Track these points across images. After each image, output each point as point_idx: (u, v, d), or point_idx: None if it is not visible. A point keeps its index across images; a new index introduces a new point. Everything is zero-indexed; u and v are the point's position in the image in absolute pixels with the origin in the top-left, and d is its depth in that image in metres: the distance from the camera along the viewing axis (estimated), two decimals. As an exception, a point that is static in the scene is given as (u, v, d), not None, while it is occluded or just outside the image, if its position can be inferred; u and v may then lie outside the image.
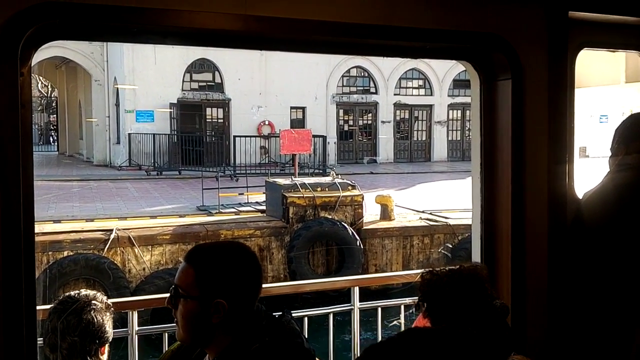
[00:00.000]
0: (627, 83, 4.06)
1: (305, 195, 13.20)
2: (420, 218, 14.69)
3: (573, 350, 2.76)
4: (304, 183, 13.64)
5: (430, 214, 15.04)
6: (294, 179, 14.45)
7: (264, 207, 14.88)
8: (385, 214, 14.22)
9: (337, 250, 13.18)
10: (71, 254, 11.47)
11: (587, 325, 2.74)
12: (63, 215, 14.14)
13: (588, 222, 2.77)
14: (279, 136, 26.40)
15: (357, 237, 13.06)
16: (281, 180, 14.37)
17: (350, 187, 13.79)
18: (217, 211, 14.85)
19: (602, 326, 2.70)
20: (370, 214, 14.30)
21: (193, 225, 13.09)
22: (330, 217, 13.26)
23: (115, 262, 11.73)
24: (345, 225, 13.15)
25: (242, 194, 16.50)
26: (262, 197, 15.94)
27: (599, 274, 2.71)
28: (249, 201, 16.29)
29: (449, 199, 16.50)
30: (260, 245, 12.73)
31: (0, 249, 1.91)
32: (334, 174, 14.74)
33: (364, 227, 13.58)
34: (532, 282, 2.69)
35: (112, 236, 11.84)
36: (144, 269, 12.03)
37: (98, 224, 13.06)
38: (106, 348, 2.46)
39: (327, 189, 13.54)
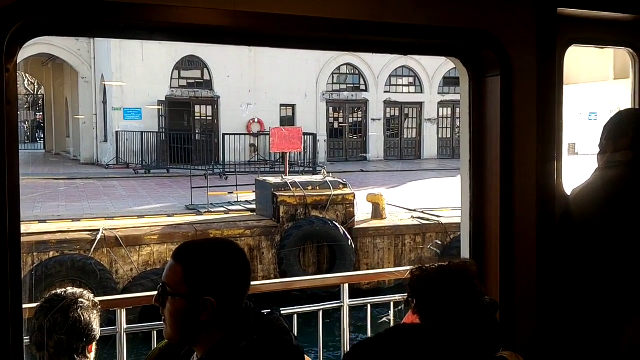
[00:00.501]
0: (615, 79, 4.05)
1: (296, 194, 13.01)
2: (412, 217, 14.55)
3: (562, 346, 2.76)
4: (295, 182, 13.46)
5: (422, 212, 14.90)
6: (284, 177, 14.26)
7: (253, 206, 14.69)
8: (377, 213, 14.07)
9: (329, 250, 13.01)
10: (57, 254, 11.23)
11: (576, 320, 2.74)
12: (49, 215, 13.87)
13: (576, 218, 2.77)
14: (268, 134, 26.29)
15: (349, 236, 12.89)
16: (271, 179, 14.18)
17: (341, 186, 13.63)
18: (206, 210, 14.63)
19: (590, 322, 2.70)
20: (362, 212, 14.14)
21: (182, 225, 12.87)
22: (321, 216, 13.09)
23: (102, 263, 11.51)
24: (337, 224, 12.98)
25: (232, 192, 16.28)
26: (251, 196, 15.74)
27: (587, 269, 2.71)
28: (239, 200, 16.08)
29: (440, 197, 16.37)
30: (250, 245, 12.53)
31: None
32: (325, 172, 14.56)
33: (356, 226, 13.42)
34: (520, 278, 2.69)
35: (98, 236, 11.60)
36: (131, 269, 11.81)
37: (84, 224, 12.81)
38: (93, 346, 2.44)
39: (318, 188, 13.37)
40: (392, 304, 4.78)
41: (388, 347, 1.14)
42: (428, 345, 1.13)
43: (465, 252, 2.82)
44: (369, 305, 4.89)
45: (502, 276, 2.66)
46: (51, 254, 11.20)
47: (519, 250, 2.68)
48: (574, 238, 2.75)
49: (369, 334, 4.85)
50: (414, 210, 15.22)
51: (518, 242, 2.68)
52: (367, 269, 12.89)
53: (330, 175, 14.38)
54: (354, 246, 12.96)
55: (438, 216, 14.25)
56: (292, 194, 13.03)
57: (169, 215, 14.28)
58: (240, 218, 13.68)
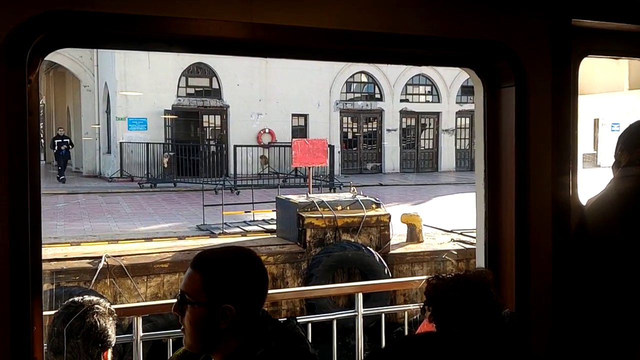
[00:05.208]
0: (630, 90, 4.07)
1: (324, 215, 11.46)
2: (452, 240, 12.98)
3: (577, 357, 2.75)
4: (322, 201, 11.88)
5: (461, 234, 13.34)
6: (309, 195, 12.70)
7: (272, 226, 13.20)
8: (413, 235, 12.53)
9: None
10: (52, 287, 9.69)
11: (591, 332, 2.71)
12: (45, 237, 12.23)
13: (592, 230, 2.75)
14: (280, 145, 24.91)
15: (385, 264, 11.33)
16: (295, 198, 12.60)
17: (374, 205, 12.06)
18: (221, 232, 13.13)
19: (606, 333, 2.66)
20: (394, 234, 12.57)
21: (195, 250, 11.31)
22: (353, 240, 11.54)
23: (104, 296, 9.96)
24: (371, 250, 11.42)
25: (249, 211, 14.73)
26: (268, 215, 14.27)
27: (603, 281, 2.67)
28: (255, 219, 14.57)
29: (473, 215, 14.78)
30: (273, 273, 10.98)
31: (9, 258, 1.92)
32: (355, 190, 13.00)
33: (391, 252, 11.86)
34: (535, 289, 2.69)
35: (100, 265, 10.09)
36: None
37: (85, 249, 11.32)
38: (109, 353, 2.48)
39: (348, 208, 11.81)
40: (405, 313, 4.99)
41: (403, 357, 1.14)
42: (443, 355, 1.13)
43: (480, 262, 2.85)
44: (382, 315, 5.01)
45: (518, 286, 2.67)
46: (45, 286, 9.64)
47: (535, 261, 2.68)
48: (589, 249, 2.73)
49: (383, 343, 4.83)
50: (452, 232, 13.67)
51: (533, 252, 2.68)
52: (405, 302, 11.32)
53: (361, 193, 12.85)
54: (390, 275, 11.39)
55: (481, 239, 12.68)
56: (320, 215, 11.47)
57: (179, 238, 12.79)
58: (261, 242, 12.11)
